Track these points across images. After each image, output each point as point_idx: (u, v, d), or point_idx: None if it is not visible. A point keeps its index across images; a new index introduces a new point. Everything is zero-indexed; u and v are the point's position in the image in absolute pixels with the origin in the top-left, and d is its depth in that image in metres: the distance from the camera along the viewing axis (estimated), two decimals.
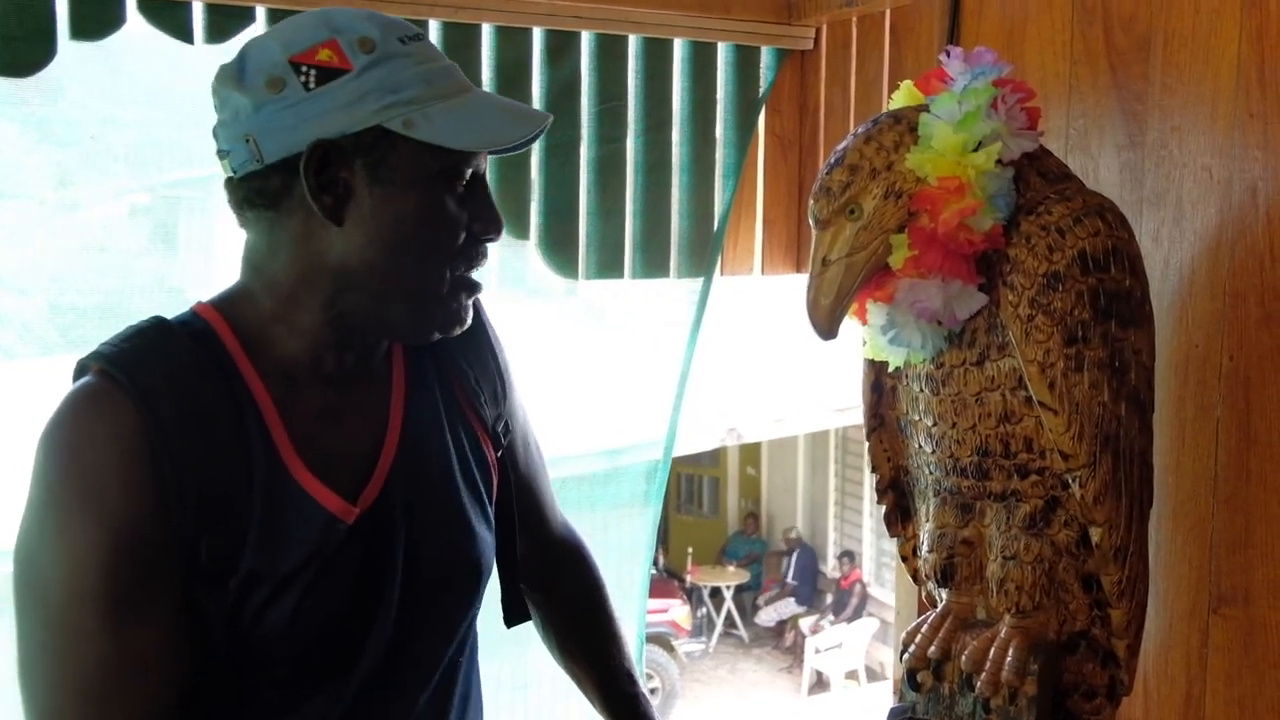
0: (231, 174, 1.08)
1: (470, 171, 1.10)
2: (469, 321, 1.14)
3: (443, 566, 1.18)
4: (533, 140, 1.13)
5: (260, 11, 1.92)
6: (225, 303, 1.13)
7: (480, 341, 1.28)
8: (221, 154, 1.09)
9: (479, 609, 1.27)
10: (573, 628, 1.45)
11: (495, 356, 1.30)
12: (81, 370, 1.06)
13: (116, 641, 0.99)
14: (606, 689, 1.45)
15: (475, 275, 1.14)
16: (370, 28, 1.06)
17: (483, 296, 1.20)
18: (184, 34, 1.88)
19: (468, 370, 1.25)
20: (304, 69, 1.04)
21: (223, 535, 1.02)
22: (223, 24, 1.90)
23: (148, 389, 1.02)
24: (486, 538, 1.23)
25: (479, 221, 1.11)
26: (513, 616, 1.37)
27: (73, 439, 1.01)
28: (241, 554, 1.03)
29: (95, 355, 1.05)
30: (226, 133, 1.07)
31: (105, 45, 1.87)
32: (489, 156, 1.14)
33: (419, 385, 1.21)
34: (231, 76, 1.07)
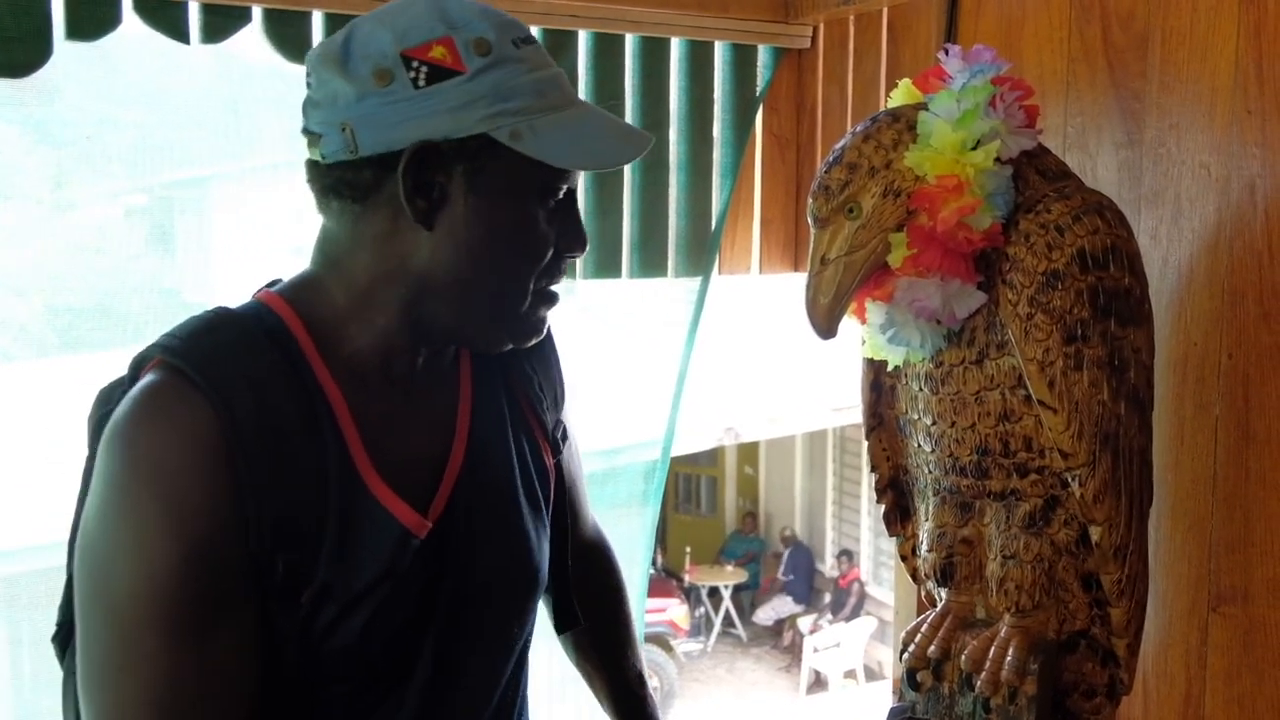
0: (319, 159, 1.03)
1: (565, 188, 1.07)
2: (544, 333, 1.13)
3: (501, 576, 1.15)
4: (634, 158, 1.10)
5: (257, 11, 1.92)
6: (296, 294, 1.08)
7: (545, 347, 1.26)
8: (310, 136, 1.04)
9: (535, 618, 1.25)
10: (590, 627, 1.42)
11: (558, 363, 1.29)
12: (140, 363, 1.02)
13: (189, 657, 0.95)
14: (617, 690, 1.44)
15: (555, 289, 1.11)
16: (487, 27, 1.02)
17: None
18: (180, 34, 1.87)
19: (533, 375, 1.23)
20: (415, 64, 0.99)
21: (298, 550, 0.98)
22: (219, 24, 1.89)
23: (223, 388, 0.96)
24: (544, 547, 1.21)
25: (566, 238, 1.09)
26: (563, 623, 1.35)
27: (148, 439, 0.95)
28: (316, 568, 0.99)
29: (159, 348, 1.00)
30: (320, 115, 1.02)
31: (101, 46, 1.86)
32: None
33: (485, 392, 1.18)
34: (335, 59, 1.01)
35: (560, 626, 1.35)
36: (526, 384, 1.22)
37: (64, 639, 1.08)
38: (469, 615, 1.12)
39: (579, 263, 2.26)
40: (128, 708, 0.95)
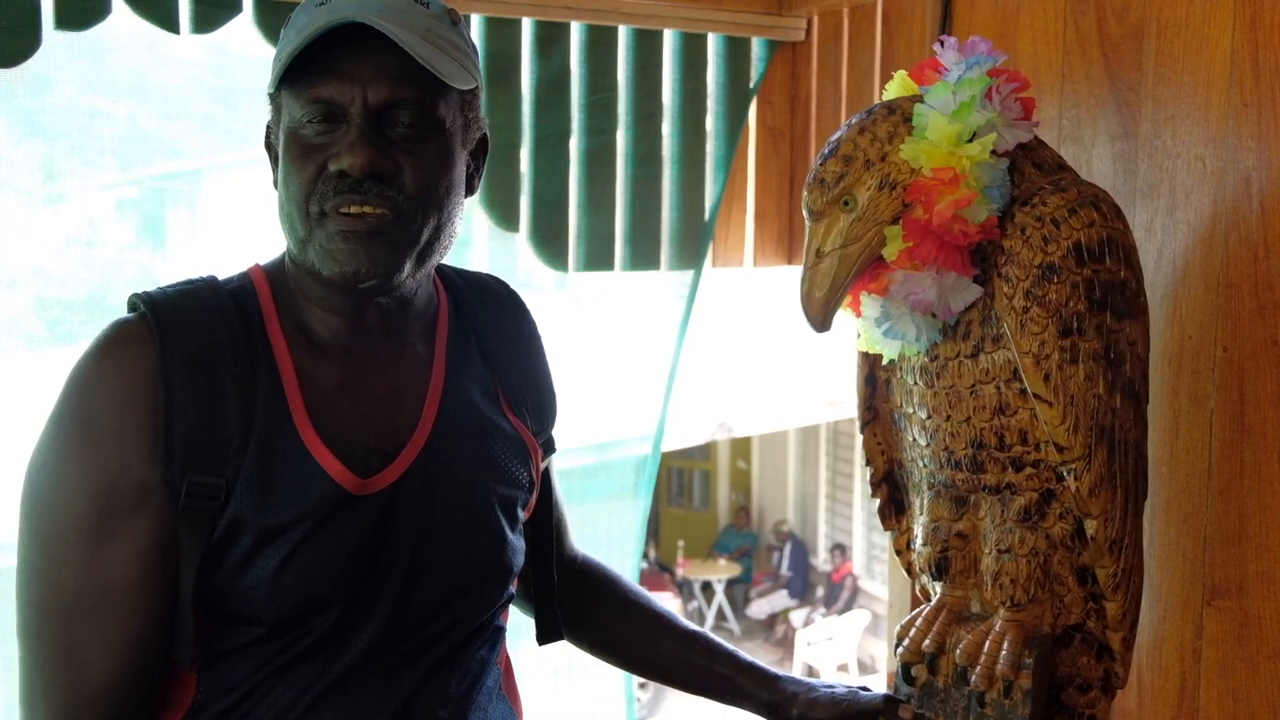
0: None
1: (318, 103, 1.07)
2: (352, 268, 1.08)
3: (460, 564, 1.18)
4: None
5: (247, 2, 1.90)
6: (273, 264, 1.19)
7: (532, 345, 1.33)
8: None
9: (503, 608, 1.27)
10: (619, 618, 1.44)
11: (546, 367, 1.35)
12: (131, 307, 1.12)
13: (95, 570, 1.04)
14: (681, 646, 1.40)
15: (346, 212, 1.07)
16: None
17: None
18: (170, 24, 1.86)
19: (516, 379, 1.28)
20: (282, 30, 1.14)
21: (208, 472, 1.05)
22: (209, 15, 1.88)
23: (169, 326, 1.07)
24: (514, 542, 1.24)
25: (335, 156, 1.07)
26: (545, 634, 1.38)
27: (87, 377, 1.07)
28: (228, 496, 1.06)
29: (143, 294, 1.11)
30: None
31: (91, 36, 1.85)
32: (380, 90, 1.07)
33: (459, 377, 1.22)
34: None
35: (543, 638, 1.38)
36: (508, 385, 1.27)
37: None
38: (420, 596, 1.15)
39: (571, 255, 2.25)
40: (36, 610, 1.06)
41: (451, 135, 1.12)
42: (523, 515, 1.27)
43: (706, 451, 12.83)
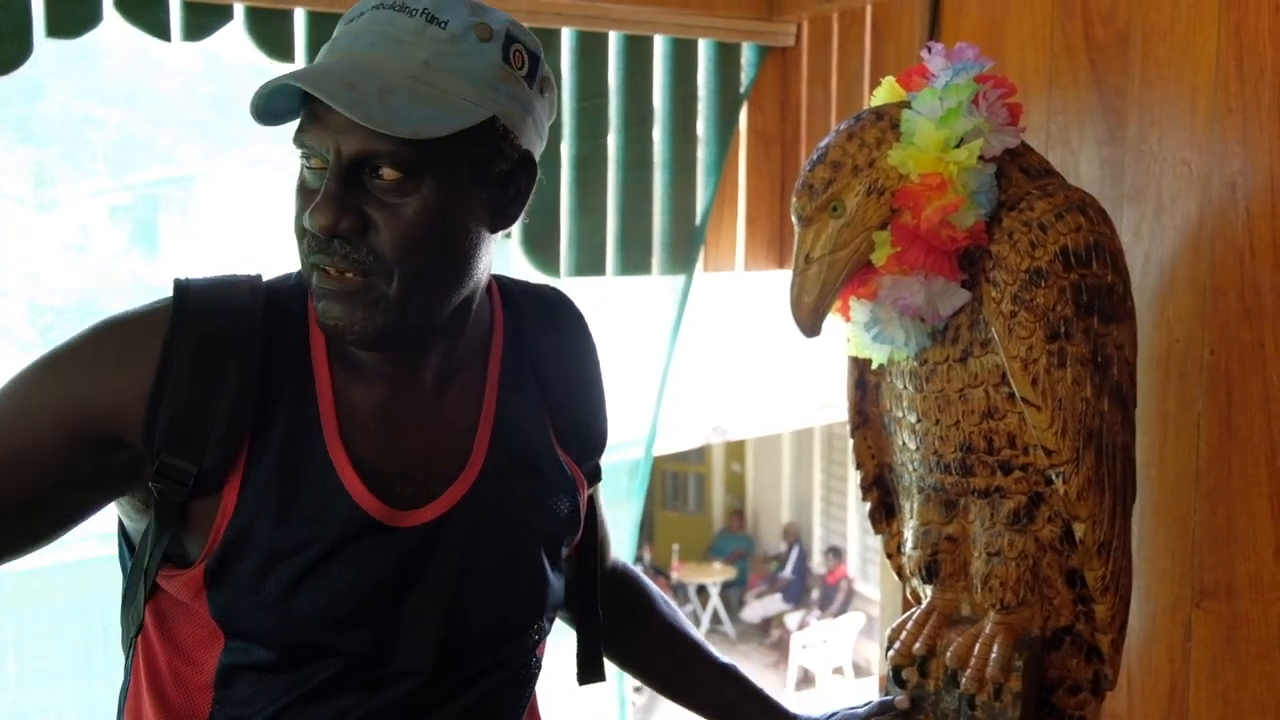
0: None
1: (307, 158, 1.02)
2: (342, 331, 1.03)
3: (499, 608, 1.14)
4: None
5: (239, 10, 1.91)
6: None
7: (587, 365, 1.28)
8: None
9: (539, 643, 1.23)
10: (652, 639, 1.42)
11: (601, 390, 1.29)
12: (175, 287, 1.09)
13: (12, 437, 1.02)
14: (712, 679, 1.40)
15: (325, 275, 1.02)
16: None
17: None
18: (161, 32, 1.86)
19: (565, 389, 1.23)
20: None
21: (180, 456, 1.02)
22: (200, 22, 1.89)
23: (187, 310, 1.05)
24: (555, 581, 1.19)
25: (309, 211, 1.00)
26: (587, 674, 1.32)
27: (96, 331, 1.06)
28: (197, 485, 1.03)
29: (183, 278, 1.08)
30: None
31: (82, 43, 1.85)
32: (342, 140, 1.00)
33: (512, 406, 1.17)
34: None
35: (584, 678, 1.32)
36: (559, 412, 1.21)
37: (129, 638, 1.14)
38: (458, 638, 1.11)
39: (562, 260, 2.26)
40: None
41: (447, 180, 1.02)
42: (565, 553, 1.22)
43: (701, 455, 12.84)
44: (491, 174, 1.06)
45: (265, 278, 1.12)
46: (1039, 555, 1.27)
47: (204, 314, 1.05)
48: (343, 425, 1.07)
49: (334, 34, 1.05)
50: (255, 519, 1.03)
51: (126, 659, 1.15)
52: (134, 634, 1.11)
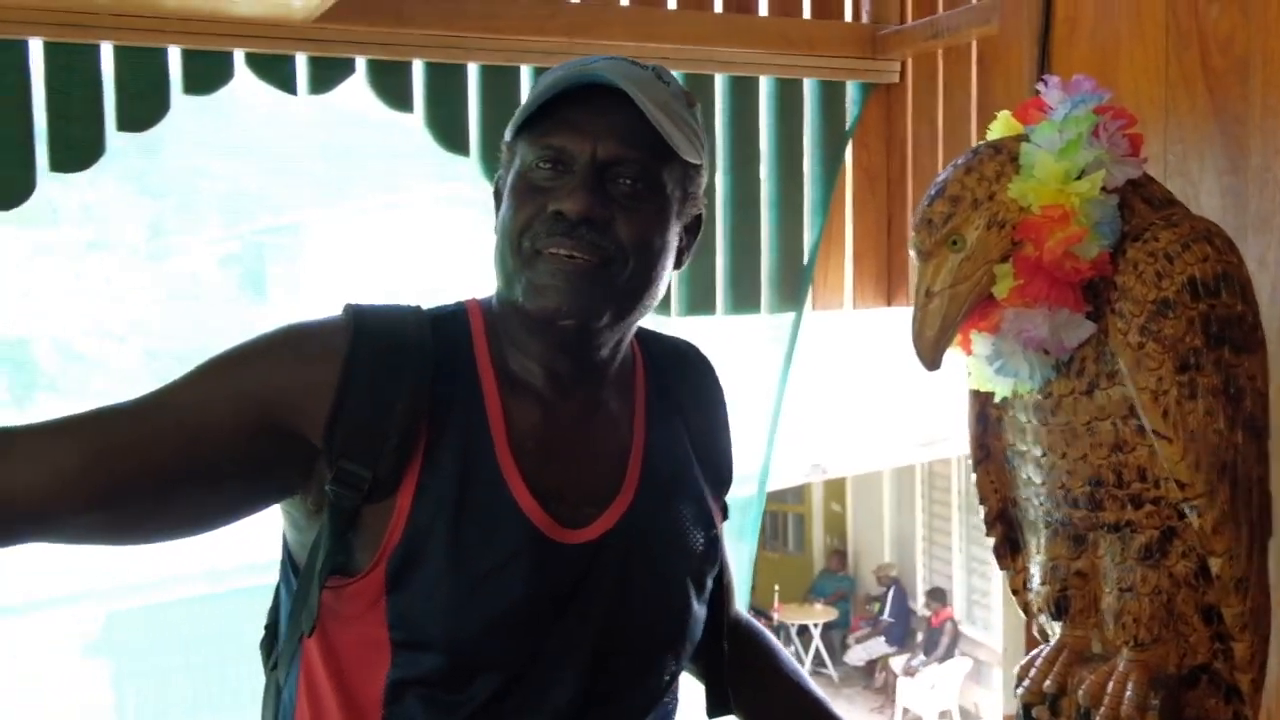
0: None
1: (551, 152, 1.12)
2: (556, 306, 1.11)
3: (649, 633, 1.18)
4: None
5: (360, 62, 1.98)
6: (486, 299, 1.22)
7: (719, 411, 1.34)
8: None
9: (673, 689, 1.26)
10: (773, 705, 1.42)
11: (729, 435, 1.35)
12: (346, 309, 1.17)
13: (200, 412, 1.08)
14: None
15: (554, 252, 1.11)
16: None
17: None
18: (288, 86, 1.94)
19: (702, 430, 1.29)
20: None
21: (358, 462, 1.08)
22: (325, 76, 1.97)
23: (365, 324, 1.12)
24: (699, 612, 1.23)
25: (557, 198, 1.11)
26: (715, 706, 1.36)
27: (284, 332, 1.14)
28: (371, 490, 1.08)
29: (356, 301, 1.16)
30: None
31: (215, 99, 1.94)
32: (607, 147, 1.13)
33: (659, 435, 1.23)
34: None
35: (713, 710, 1.36)
36: (699, 449, 1.28)
37: (269, 643, 1.21)
38: (613, 661, 1.14)
39: (673, 299, 2.28)
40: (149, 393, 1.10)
41: (669, 202, 1.16)
42: (709, 579, 1.26)
43: (800, 495, 12.72)
44: (687, 214, 1.21)
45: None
46: (1173, 591, 1.25)
47: (380, 333, 1.13)
48: (513, 442, 1.13)
49: (561, 74, 1.14)
50: (432, 523, 1.09)
51: (287, 676, 1.17)
52: (302, 636, 1.13)
